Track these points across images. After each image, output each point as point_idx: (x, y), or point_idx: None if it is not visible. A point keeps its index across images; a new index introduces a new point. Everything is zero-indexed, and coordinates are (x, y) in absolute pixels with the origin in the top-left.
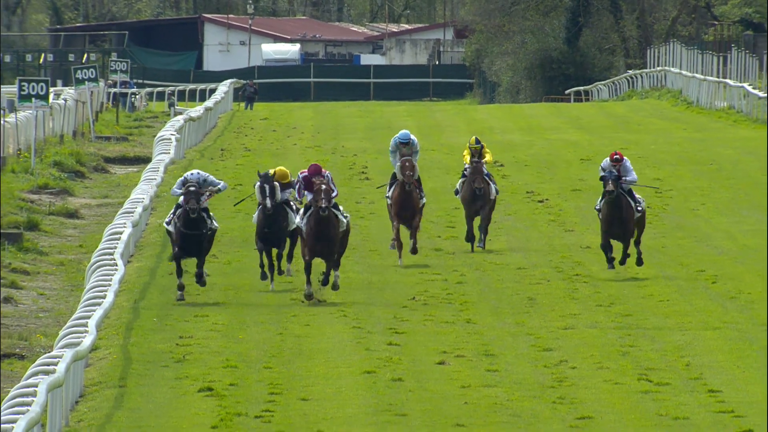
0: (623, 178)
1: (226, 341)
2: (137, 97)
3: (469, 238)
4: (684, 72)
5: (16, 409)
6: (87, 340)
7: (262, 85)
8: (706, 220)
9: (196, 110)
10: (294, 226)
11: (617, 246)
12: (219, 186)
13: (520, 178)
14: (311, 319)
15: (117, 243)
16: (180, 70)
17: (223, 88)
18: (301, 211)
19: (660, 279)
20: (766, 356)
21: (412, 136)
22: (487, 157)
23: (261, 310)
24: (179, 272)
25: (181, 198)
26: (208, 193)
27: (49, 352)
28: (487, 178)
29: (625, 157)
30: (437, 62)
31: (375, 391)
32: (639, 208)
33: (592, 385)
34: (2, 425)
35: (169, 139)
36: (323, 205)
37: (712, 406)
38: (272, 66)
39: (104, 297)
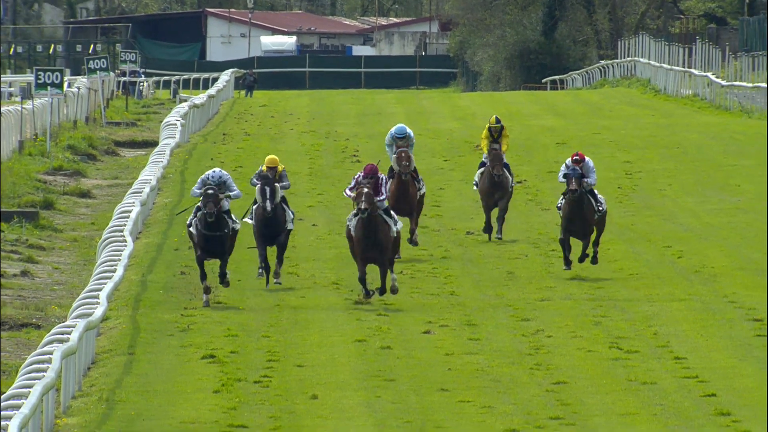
0: (584, 180)
1: (228, 312)
2: (145, 85)
3: (487, 229)
4: (652, 62)
5: (32, 374)
6: (98, 311)
7: (261, 75)
8: (673, 200)
9: (200, 98)
10: (291, 225)
11: (576, 246)
12: (233, 193)
13: None
14: (307, 291)
15: (126, 221)
16: (185, 61)
17: (225, 77)
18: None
19: (630, 254)
20: (766, 356)
21: (408, 130)
22: (505, 142)
23: (260, 284)
24: (203, 276)
25: (200, 196)
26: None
27: (63, 322)
28: (505, 169)
29: (587, 158)
30: (423, 53)
31: (365, 358)
32: (600, 209)
33: (567, 353)
34: (19, 389)
35: (175, 124)
36: (363, 207)
37: (677, 372)
38: (270, 57)
39: (114, 271)
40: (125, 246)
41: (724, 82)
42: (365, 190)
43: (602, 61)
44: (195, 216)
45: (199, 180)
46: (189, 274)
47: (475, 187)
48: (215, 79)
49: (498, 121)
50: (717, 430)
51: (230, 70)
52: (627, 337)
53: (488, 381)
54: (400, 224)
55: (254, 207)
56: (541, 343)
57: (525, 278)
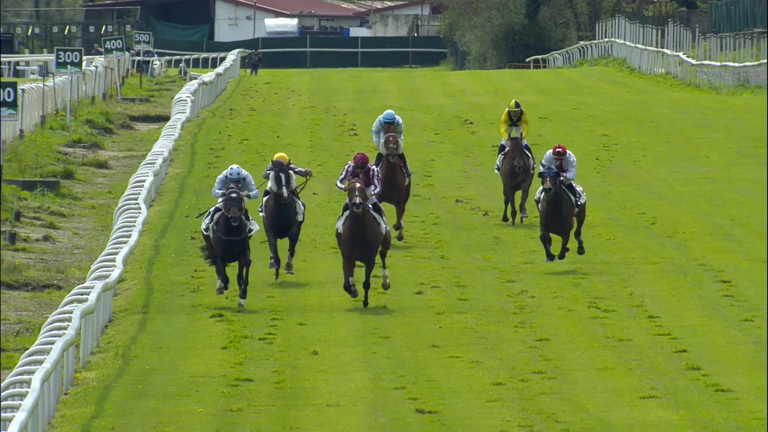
0: (563, 174)
1: (234, 273)
2: (158, 64)
3: (512, 213)
4: (628, 43)
5: (54, 332)
6: (115, 273)
7: (266, 54)
8: (647, 170)
9: (209, 76)
10: (302, 217)
11: (557, 240)
12: (252, 193)
13: (486, 135)
14: (308, 255)
15: (140, 189)
16: (194, 41)
17: (232, 56)
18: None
19: (607, 221)
20: (766, 349)
21: (397, 116)
22: (525, 128)
23: (264, 247)
24: (221, 273)
25: (220, 201)
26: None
27: (82, 283)
28: (527, 151)
29: (569, 152)
30: (416, 34)
31: (362, 317)
32: (579, 202)
33: (549, 312)
34: (42, 346)
35: (186, 100)
36: (357, 201)
37: (651, 329)
38: (274, 38)
39: (130, 236)
40: (140, 213)
41: (694, 62)
42: (357, 184)
43: (581, 42)
44: (212, 219)
45: (218, 180)
46: (198, 239)
47: (497, 171)
48: (223, 59)
49: (517, 105)
50: (688, 383)
51: (237, 50)
52: (604, 297)
53: (476, 338)
54: (387, 228)
55: (265, 199)
56: (525, 303)
57: (510, 243)
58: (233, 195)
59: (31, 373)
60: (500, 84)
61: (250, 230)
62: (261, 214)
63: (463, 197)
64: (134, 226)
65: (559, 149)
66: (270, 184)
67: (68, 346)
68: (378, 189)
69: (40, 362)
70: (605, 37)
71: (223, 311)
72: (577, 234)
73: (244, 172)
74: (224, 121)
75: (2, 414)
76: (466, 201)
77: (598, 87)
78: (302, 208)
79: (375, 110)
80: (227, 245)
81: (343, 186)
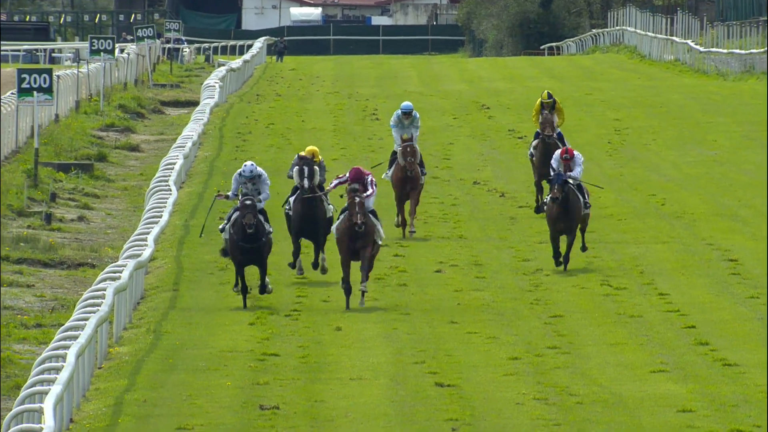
0: (570, 175)
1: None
2: (187, 51)
3: (539, 209)
4: (638, 31)
5: (88, 309)
6: (146, 252)
7: (291, 42)
8: (656, 153)
9: (236, 62)
10: (330, 214)
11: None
12: (262, 196)
13: (503, 119)
14: (331, 236)
15: (171, 172)
16: (222, 30)
17: (258, 44)
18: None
19: (618, 202)
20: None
21: (415, 111)
22: (560, 117)
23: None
24: (243, 286)
25: (237, 204)
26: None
27: (115, 262)
28: (558, 138)
29: (576, 153)
30: (435, 23)
31: (384, 294)
32: (586, 210)
33: (563, 289)
34: (77, 322)
35: (214, 86)
36: (359, 221)
37: (661, 306)
38: (299, 26)
39: (161, 216)
40: (170, 194)
41: (702, 49)
42: (357, 199)
43: (594, 30)
44: (228, 221)
45: (234, 179)
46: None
47: (530, 158)
48: (249, 46)
49: (550, 96)
50: (696, 357)
51: (263, 38)
52: (616, 275)
53: (493, 314)
54: (382, 235)
55: (292, 198)
56: (540, 281)
57: (526, 223)
58: (248, 202)
59: (67, 348)
60: (516, 70)
61: (269, 232)
62: (287, 210)
63: (481, 179)
64: (165, 206)
65: (567, 154)
66: (294, 176)
67: (102, 322)
68: (372, 192)
69: (75, 337)
70: (617, 25)
71: (249, 288)
72: (582, 230)
73: (259, 170)
74: (251, 106)
75: (39, 387)
76: (483, 183)
77: (610, 73)
78: (329, 205)
79: (396, 96)
80: (244, 251)
81: (333, 187)
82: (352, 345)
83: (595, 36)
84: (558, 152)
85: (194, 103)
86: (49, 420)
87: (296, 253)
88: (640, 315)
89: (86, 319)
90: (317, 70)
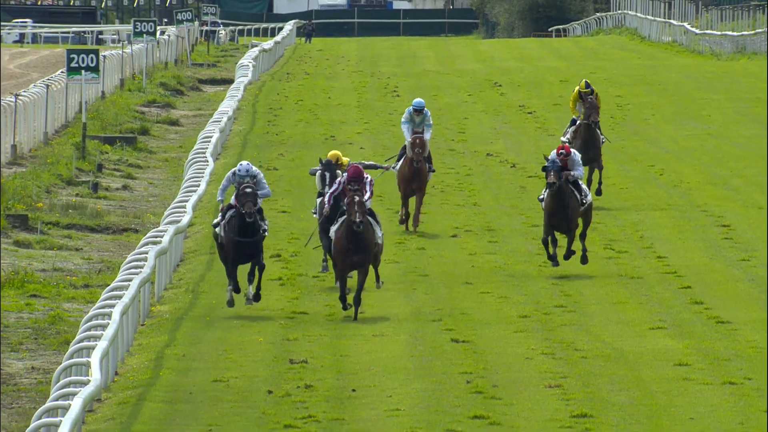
0: (570, 172)
1: (290, 219)
2: (223, 33)
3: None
4: (639, 14)
5: (131, 270)
6: (185, 218)
7: (318, 25)
8: (655, 128)
9: (268, 44)
10: (381, 240)
11: (562, 243)
12: (261, 192)
13: (514, 96)
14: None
15: (208, 144)
16: (255, 13)
17: (288, 26)
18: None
19: (620, 172)
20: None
21: (426, 110)
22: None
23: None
24: (235, 286)
25: (233, 198)
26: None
27: (156, 227)
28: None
29: (573, 151)
30: (451, 7)
31: (404, 257)
32: (584, 201)
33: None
34: (121, 282)
35: (248, 65)
36: (358, 220)
37: (660, 268)
38: (326, 10)
39: (198, 186)
40: (207, 165)
41: (697, 31)
42: (356, 198)
43: (597, 14)
44: (223, 218)
45: (226, 178)
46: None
47: (567, 144)
48: (280, 29)
49: (588, 85)
50: (692, 316)
51: (293, 21)
52: (618, 239)
53: (504, 276)
54: (382, 235)
55: (319, 201)
56: None
57: (535, 192)
58: (248, 190)
59: (112, 306)
60: (526, 51)
61: (264, 230)
62: (314, 215)
63: (493, 151)
64: (202, 176)
65: (563, 150)
66: (317, 184)
67: (144, 283)
68: (368, 194)
69: (120, 297)
70: (619, 9)
71: (281, 252)
72: (582, 237)
73: (255, 169)
74: (282, 84)
75: (86, 343)
76: (495, 154)
77: (613, 53)
78: (379, 234)
79: (415, 74)
80: (239, 246)
81: (328, 204)
82: (374, 304)
83: (599, 19)
84: (554, 152)
85: (229, 81)
86: (95, 373)
87: (326, 258)
88: (639, 276)
89: (130, 280)
90: (342, 51)
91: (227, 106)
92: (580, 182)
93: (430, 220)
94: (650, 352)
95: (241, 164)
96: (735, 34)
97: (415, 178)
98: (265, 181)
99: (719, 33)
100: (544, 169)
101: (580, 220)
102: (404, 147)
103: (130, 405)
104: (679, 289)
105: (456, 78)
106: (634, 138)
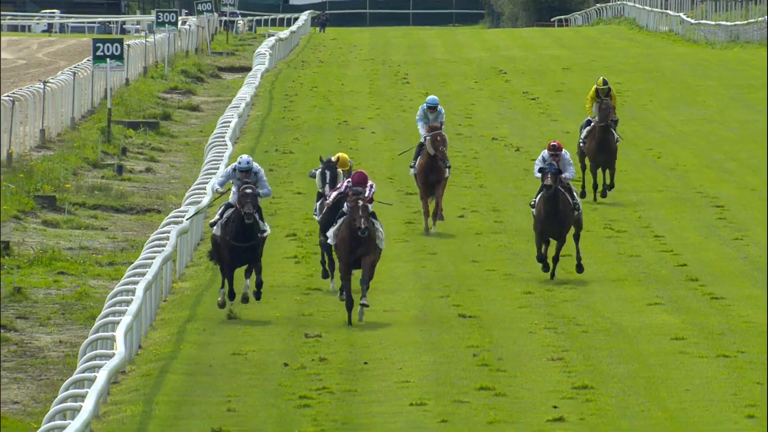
0: (563, 174)
1: (305, 200)
2: (241, 23)
3: (593, 186)
4: (637, 5)
5: (154, 249)
6: (205, 199)
7: (332, 15)
8: (653, 113)
9: (284, 33)
10: (382, 242)
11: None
12: (263, 191)
13: (518, 83)
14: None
15: (227, 129)
16: (272, 4)
17: (304, 17)
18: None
19: (619, 155)
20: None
21: (440, 106)
22: (614, 104)
23: None
24: (230, 292)
25: (232, 196)
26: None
27: (178, 208)
28: (612, 129)
29: (563, 149)
30: None
31: (413, 236)
32: (577, 205)
33: (570, 232)
34: (144, 260)
35: (265, 53)
36: (363, 226)
37: (657, 247)
38: (340, 1)
39: (218, 168)
40: (226, 149)
41: (693, 21)
42: (360, 202)
43: (598, 4)
44: (221, 217)
45: (227, 169)
46: (275, 171)
47: (581, 144)
48: (296, 19)
49: (605, 83)
50: (688, 292)
51: (308, 11)
52: (617, 219)
53: (509, 254)
54: (383, 240)
55: (319, 202)
56: None
57: None
58: (248, 190)
59: (135, 283)
60: (529, 40)
61: (264, 232)
62: (316, 218)
63: (498, 135)
64: (222, 159)
65: (555, 144)
66: (317, 183)
67: (166, 261)
68: (373, 191)
69: (143, 274)
70: (618, 0)
71: (296, 231)
72: (576, 238)
73: (257, 166)
74: (297, 71)
75: (111, 318)
76: (500, 138)
77: (612, 42)
78: (382, 234)
79: (424, 62)
80: (237, 251)
81: (331, 199)
82: (384, 281)
83: (599, 9)
84: (545, 150)
85: (247, 69)
86: (120, 346)
87: (324, 260)
88: (638, 255)
89: (153, 258)
90: (355, 40)
91: (245, 92)
92: (571, 186)
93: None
94: (648, 327)
95: (241, 158)
96: (728, 24)
97: (432, 172)
98: (265, 178)
99: (713, 23)
100: (540, 170)
101: (572, 227)
102: (420, 144)
103: (152, 377)
104: (676, 267)
105: (463, 66)
106: (633, 123)
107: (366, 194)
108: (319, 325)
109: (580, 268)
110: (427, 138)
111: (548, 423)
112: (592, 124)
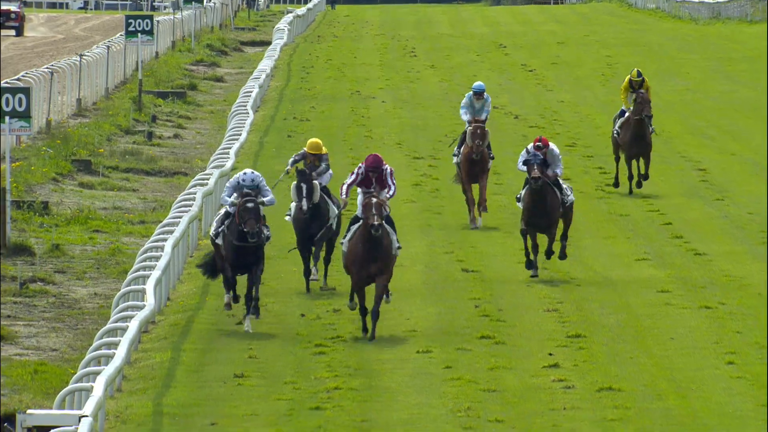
0: (552, 170)
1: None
2: (262, 1)
3: (630, 176)
4: None
5: (182, 209)
6: (228, 163)
7: None
8: None
9: (302, 10)
10: (335, 220)
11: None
12: (266, 199)
13: (517, 56)
14: (377, 150)
15: (249, 98)
16: None
17: None
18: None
19: (609, 122)
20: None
21: (486, 94)
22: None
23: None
24: (231, 285)
25: (231, 207)
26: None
27: (203, 171)
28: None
29: (551, 144)
30: None
31: (421, 197)
32: (566, 200)
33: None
34: (172, 219)
35: (284, 29)
36: (376, 223)
37: (644, 207)
38: None
39: (240, 135)
40: (248, 117)
41: None
42: (374, 199)
43: None
44: (222, 224)
45: (228, 185)
46: (293, 137)
47: (615, 135)
48: None
49: (639, 74)
50: (673, 248)
51: None
52: (608, 182)
53: (508, 214)
54: (398, 244)
55: (292, 205)
56: None
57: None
58: (249, 205)
59: (164, 240)
60: (527, 16)
61: (267, 237)
62: (287, 219)
63: (499, 104)
64: (244, 127)
65: (539, 142)
66: (291, 193)
67: (192, 220)
68: (392, 191)
69: (171, 232)
70: None
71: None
72: (563, 237)
73: (259, 178)
74: (313, 45)
75: (142, 272)
76: (500, 107)
77: (604, 19)
78: (335, 212)
79: (431, 37)
80: (239, 251)
81: (345, 196)
82: None
83: None
84: (531, 144)
85: (268, 43)
86: (150, 298)
87: (308, 270)
88: (627, 214)
89: (180, 217)
90: (367, 17)
91: (266, 65)
92: (561, 180)
93: (444, 166)
94: (636, 281)
95: (245, 173)
96: (711, 1)
97: (477, 162)
98: (268, 187)
99: (697, 1)
100: (525, 162)
101: (560, 221)
102: (464, 133)
103: (180, 326)
104: (662, 225)
105: (466, 41)
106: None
107: (387, 185)
108: (334, 279)
109: (562, 255)
110: (468, 128)
111: (544, 369)
112: (627, 115)
